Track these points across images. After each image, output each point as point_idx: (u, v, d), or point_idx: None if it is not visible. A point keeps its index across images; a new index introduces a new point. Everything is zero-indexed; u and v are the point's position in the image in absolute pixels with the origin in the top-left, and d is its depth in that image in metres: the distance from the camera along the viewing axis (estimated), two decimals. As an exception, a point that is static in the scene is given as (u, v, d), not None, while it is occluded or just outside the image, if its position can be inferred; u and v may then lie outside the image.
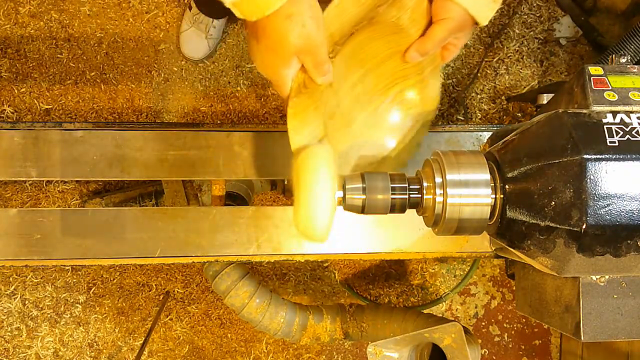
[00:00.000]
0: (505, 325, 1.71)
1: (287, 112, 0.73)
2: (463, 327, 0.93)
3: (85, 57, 1.64)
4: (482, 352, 1.70)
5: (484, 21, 0.74)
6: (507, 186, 0.66)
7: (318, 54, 0.68)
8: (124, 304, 1.65)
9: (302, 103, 0.73)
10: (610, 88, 0.69)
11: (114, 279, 1.65)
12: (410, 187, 0.69)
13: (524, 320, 1.70)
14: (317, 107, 0.75)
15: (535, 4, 1.70)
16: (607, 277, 0.67)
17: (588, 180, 0.59)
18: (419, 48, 0.78)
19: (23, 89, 1.62)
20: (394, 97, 0.84)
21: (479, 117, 1.68)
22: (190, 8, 1.61)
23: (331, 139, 0.80)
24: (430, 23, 0.77)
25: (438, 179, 0.67)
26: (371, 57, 0.81)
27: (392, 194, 0.68)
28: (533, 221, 0.63)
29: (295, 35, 0.66)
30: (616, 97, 0.68)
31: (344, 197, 0.68)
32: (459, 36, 0.78)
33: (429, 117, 0.86)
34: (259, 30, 0.68)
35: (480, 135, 1.03)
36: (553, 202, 0.60)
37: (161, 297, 1.65)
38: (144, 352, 1.60)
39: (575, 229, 0.59)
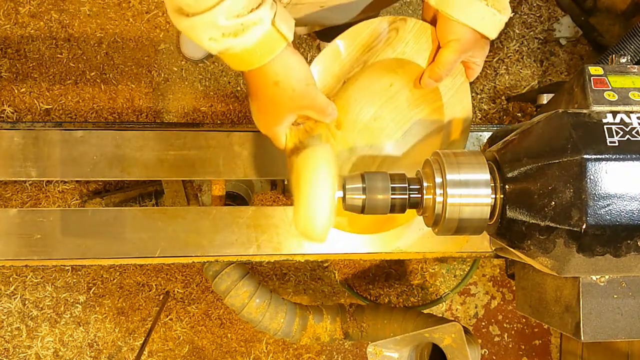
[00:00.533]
0: (505, 325, 1.71)
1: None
2: (463, 327, 0.93)
3: (85, 57, 1.64)
4: (482, 352, 1.70)
5: (492, 35, 0.73)
6: (507, 186, 0.66)
7: (316, 104, 0.69)
8: (124, 304, 1.65)
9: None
10: (610, 88, 0.69)
11: (114, 279, 1.65)
12: (410, 187, 0.69)
13: (524, 320, 1.70)
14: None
15: (535, 4, 1.70)
16: (607, 277, 0.67)
17: (588, 180, 0.59)
18: (432, 74, 0.76)
19: (23, 89, 1.62)
20: (418, 122, 0.84)
21: (479, 117, 1.68)
22: (190, 8, 1.61)
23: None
24: (438, 47, 0.76)
25: (438, 179, 0.67)
26: (382, 93, 0.80)
27: (392, 194, 0.68)
28: (533, 221, 0.63)
29: (286, 99, 0.67)
30: (616, 97, 0.68)
31: (344, 197, 0.68)
32: (474, 54, 0.76)
33: (465, 125, 0.86)
34: (252, 92, 0.69)
35: (480, 135, 1.03)
36: (553, 202, 0.60)
37: (161, 297, 1.65)
38: (144, 352, 1.60)
39: (575, 229, 0.59)
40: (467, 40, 0.73)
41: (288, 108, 0.69)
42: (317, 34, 1.46)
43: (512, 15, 1.66)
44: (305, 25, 0.99)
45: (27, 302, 1.64)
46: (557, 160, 0.61)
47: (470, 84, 0.83)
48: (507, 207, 0.66)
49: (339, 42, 0.73)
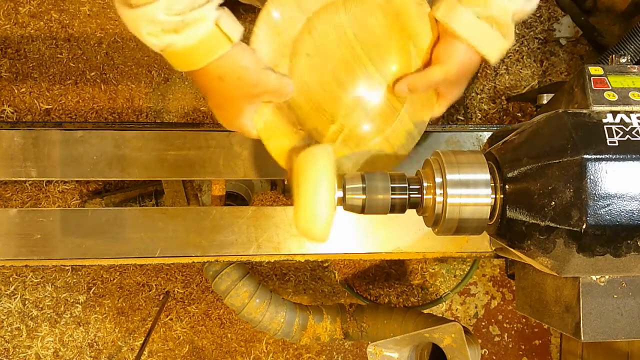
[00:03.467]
0: (505, 325, 1.71)
1: (263, 142, 0.74)
2: (463, 327, 0.93)
3: (85, 57, 1.64)
4: (482, 352, 1.70)
5: (493, 57, 0.72)
6: (507, 186, 0.66)
7: (270, 87, 0.67)
8: (124, 304, 1.65)
9: (273, 128, 0.74)
10: (610, 88, 0.69)
11: (114, 279, 1.65)
12: (410, 187, 0.69)
13: (524, 320, 1.70)
14: (287, 117, 0.76)
15: (535, 4, 1.70)
16: (607, 277, 0.67)
17: (588, 180, 0.59)
18: (411, 82, 0.75)
19: (23, 89, 1.62)
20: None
21: (479, 117, 1.68)
22: (190, 8, 1.60)
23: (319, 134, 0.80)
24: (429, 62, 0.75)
25: (438, 179, 0.67)
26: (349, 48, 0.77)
27: (392, 194, 0.68)
28: (533, 221, 0.63)
29: (236, 91, 0.66)
30: (616, 97, 0.68)
31: (344, 197, 0.68)
32: (452, 89, 0.76)
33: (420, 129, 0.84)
34: (201, 89, 0.67)
35: (480, 135, 1.03)
36: (553, 202, 0.60)
37: (161, 297, 1.65)
38: (144, 352, 1.59)
39: (575, 229, 0.59)
40: (462, 66, 0.72)
41: (242, 99, 0.67)
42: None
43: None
44: None
45: (27, 302, 1.64)
46: (557, 160, 0.61)
47: (470, 84, 0.83)
48: (507, 207, 0.66)
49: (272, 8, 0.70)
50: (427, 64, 0.75)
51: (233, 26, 0.62)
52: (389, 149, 0.82)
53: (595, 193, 0.58)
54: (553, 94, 0.85)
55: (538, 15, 1.70)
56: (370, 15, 0.75)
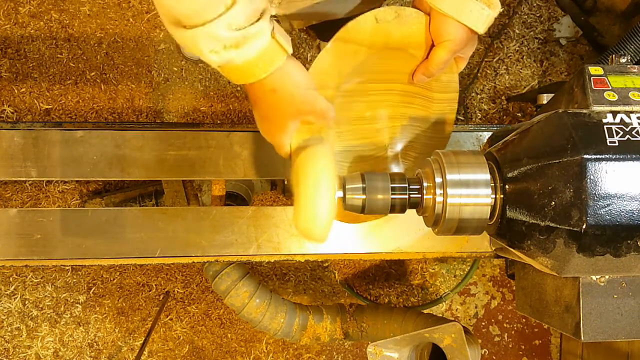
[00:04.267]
0: (505, 325, 1.71)
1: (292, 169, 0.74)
2: (463, 327, 0.93)
3: (85, 57, 1.64)
4: (482, 352, 1.70)
5: (480, 29, 0.74)
6: (507, 186, 0.66)
7: (317, 108, 0.69)
8: (124, 304, 1.65)
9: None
10: (610, 88, 0.69)
11: (114, 279, 1.65)
12: (410, 187, 0.69)
13: (524, 320, 1.70)
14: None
15: (535, 4, 1.70)
16: (607, 277, 0.67)
17: (588, 180, 0.59)
18: (425, 71, 0.78)
19: (23, 89, 1.62)
20: (409, 118, 0.85)
21: (479, 117, 1.68)
22: (190, 8, 1.60)
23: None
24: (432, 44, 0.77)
25: (438, 179, 0.67)
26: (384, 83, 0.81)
27: (392, 194, 0.68)
28: (533, 221, 0.63)
29: (286, 106, 0.67)
30: (616, 97, 0.68)
31: (344, 197, 0.68)
32: (464, 51, 0.78)
33: (452, 119, 0.87)
34: (251, 99, 0.69)
35: (480, 135, 1.03)
36: (553, 202, 0.60)
37: (161, 297, 1.65)
38: (144, 352, 1.59)
39: (575, 229, 0.59)
40: (460, 40, 0.74)
41: (289, 114, 0.69)
42: (316, 33, 1.46)
43: (512, 15, 1.66)
44: (302, 19, 0.99)
45: (27, 302, 1.64)
46: (557, 160, 0.61)
47: (471, 84, 0.84)
48: (507, 207, 0.66)
49: (334, 44, 0.72)
50: (431, 45, 0.77)
51: (286, 38, 0.64)
52: (441, 125, 0.86)
53: (595, 193, 0.58)
54: (553, 94, 0.85)
55: (538, 15, 1.70)
56: (363, 66, 0.77)
